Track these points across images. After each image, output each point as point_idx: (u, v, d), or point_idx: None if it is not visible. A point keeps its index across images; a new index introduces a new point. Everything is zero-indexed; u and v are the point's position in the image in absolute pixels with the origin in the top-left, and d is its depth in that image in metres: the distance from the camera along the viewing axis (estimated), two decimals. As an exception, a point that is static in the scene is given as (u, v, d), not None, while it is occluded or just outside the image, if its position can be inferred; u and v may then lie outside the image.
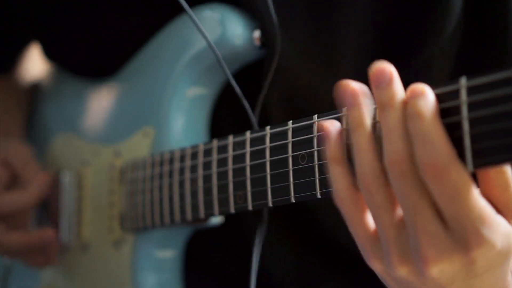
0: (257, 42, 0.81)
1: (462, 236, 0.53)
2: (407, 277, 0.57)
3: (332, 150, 0.59)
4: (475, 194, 0.52)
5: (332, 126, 0.60)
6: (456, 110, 0.53)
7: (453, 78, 0.56)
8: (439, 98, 0.54)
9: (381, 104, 0.55)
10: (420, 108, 0.53)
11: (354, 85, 0.57)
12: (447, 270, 0.55)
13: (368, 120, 0.57)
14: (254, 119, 0.78)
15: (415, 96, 0.54)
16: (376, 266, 0.59)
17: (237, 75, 0.85)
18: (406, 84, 0.56)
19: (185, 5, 0.78)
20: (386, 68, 0.56)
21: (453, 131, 0.53)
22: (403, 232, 0.56)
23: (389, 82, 0.55)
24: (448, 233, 0.54)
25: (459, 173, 0.51)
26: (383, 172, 0.55)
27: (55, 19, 0.97)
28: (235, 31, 0.81)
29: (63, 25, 0.97)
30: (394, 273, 0.58)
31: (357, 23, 0.77)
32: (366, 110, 0.57)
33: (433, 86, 0.55)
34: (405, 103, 0.55)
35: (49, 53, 1.02)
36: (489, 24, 0.75)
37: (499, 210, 0.54)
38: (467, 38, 0.75)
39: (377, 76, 0.56)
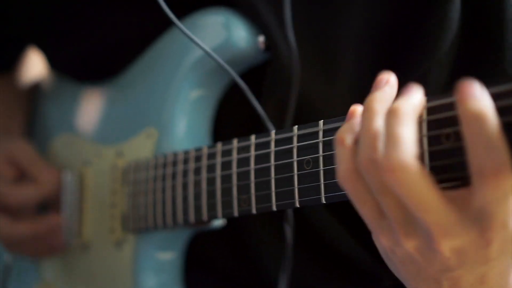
0: (262, 46, 0.81)
1: (480, 215, 0.53)
2: (413, 253, 0.57)
3: (341, 131, 0.60)
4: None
5: (358, 110, 0.61)
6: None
7: (448, 90, 0.56)
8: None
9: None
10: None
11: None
12: (459, 248, 0.55)
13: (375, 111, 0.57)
14: (267, 120, 0.78)
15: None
16: (383, 242, 0.59)
17: (241, 78, 0.85)
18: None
19: (175, 19, 0.78)
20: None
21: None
22: (409, 212, 0.55)
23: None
24: (463, 214, 0.54)
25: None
26: None
27: (55, 25, 0.97)
28: (240, 34, 0.81)
29: (64, 31, 0.97)
30: (400, 249, 0.58)
31: (355, 36, 0.78)
32: (380, 100, 0.58)
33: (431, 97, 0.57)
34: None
35: (52, 62, 1.03)
36: (485, 37, 0.76)
37: None
38: (463, 51, 0.76)
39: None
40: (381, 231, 0.58)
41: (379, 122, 0.56)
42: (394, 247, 0.58)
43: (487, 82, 0.53)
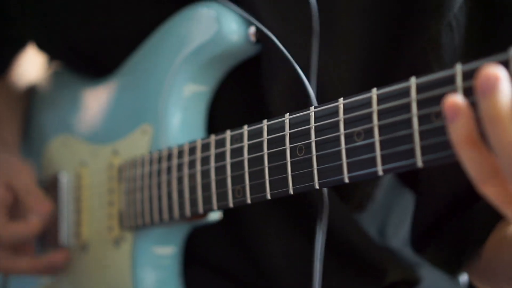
0: (253, 38, 0.81)
1: None
2: None
3: (464, 131, 0.52)
4: None
5: (460, 102, 0.52)
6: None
7: (464, 52, 0.53)
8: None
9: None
10: None
11: (493, 71, 0.51)
12: None
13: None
14: (312, 93, 0.75)
15: None
16: None
17: (234, 72, 0.85)
18: (413, 61, 0.54)
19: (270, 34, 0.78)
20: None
21: None
22: None
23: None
24: None
25: None
26: None
27: (56, 9, 0.97)
28: (230, 27, 0.81)
29: (64, 14, 0.96)
30: None
31: (359, 4, 0.77)
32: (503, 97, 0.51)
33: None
34: None
35: (47, 46, 1.02)
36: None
37: None
38: (475, 11, 0.75)
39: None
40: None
41: None
42: None
43: (499, 46, 0.52)
